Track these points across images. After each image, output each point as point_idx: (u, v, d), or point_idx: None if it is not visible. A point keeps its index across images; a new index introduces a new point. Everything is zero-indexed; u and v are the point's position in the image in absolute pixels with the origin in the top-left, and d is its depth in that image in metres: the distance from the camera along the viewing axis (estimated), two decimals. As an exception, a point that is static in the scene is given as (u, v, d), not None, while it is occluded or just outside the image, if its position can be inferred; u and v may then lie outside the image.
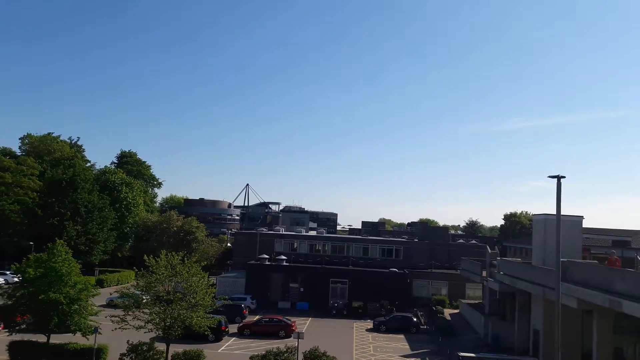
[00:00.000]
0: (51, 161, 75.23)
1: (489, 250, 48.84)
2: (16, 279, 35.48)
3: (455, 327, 49.50)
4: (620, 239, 48.54)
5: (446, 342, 44.05)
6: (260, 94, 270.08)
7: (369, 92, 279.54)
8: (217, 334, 39.44)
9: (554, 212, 28.76)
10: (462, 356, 30.35)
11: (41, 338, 33.81)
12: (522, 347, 40.44)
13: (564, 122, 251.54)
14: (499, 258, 46.76)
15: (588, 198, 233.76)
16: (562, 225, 28.68)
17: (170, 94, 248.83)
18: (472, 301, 58.52)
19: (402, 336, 46.20)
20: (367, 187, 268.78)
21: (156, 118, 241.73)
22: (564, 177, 28.50)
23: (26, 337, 34.35)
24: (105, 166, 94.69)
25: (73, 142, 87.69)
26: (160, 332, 32.21)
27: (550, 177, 28.62)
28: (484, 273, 47.10)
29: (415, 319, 49.23)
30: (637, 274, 26.08)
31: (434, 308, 56.37)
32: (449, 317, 54.51)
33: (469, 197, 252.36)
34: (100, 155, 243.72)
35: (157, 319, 31.60)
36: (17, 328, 33.33)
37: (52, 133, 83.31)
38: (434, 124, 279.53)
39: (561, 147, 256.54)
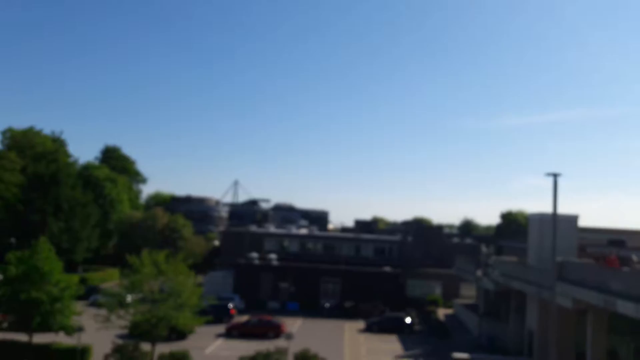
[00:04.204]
0: (33, 156, 73.87)
1: (484, 249, 48.33)
2: (-2, 277, 34.63)
3: (449, 327, 48.93)
4: (616, 239, 48.20)
5: (440, 342, 43.46)
6: (249, 87, 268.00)
7: (361, 87, 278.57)
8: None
9: (550, 211, 28.25)
10: (456, 357, 29.69)
11: (23, 337, 33.01)
12: (517, 347, 39.90)
13: (560, 119, 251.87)
14: (493, 257, 46.23)
15: (584, 196, 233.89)
16: (558, 224, 28.18)
17: (156, 89, 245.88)
18: (467, 301, 58.00)
19: (395, 337, 45.50)
20: (360, 184, 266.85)
21: (141, 112, 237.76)
22: (560, 174, 28.00)
23: (8, 336, 33.57)
24: (88, 161, 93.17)
25: (56, 136, 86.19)
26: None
27: (547, 174, 28.17)
28: (479, 272, 46.54)
29: (408, 320, 48.55)
30: (632, 273, 25.62)
31: (427, 308, 55.75)
32: (442, 318, 53.96)
33: (464, 195, 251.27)
34: (84, 150, 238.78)
35: (142, 319, 30.93)
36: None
37: (34, 127, 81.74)
38: (428, 120, 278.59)
39: (557, 144, 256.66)
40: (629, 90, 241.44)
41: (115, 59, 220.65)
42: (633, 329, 31.73)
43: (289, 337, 32.72)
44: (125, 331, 32.91)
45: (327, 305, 56.80)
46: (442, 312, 56.91)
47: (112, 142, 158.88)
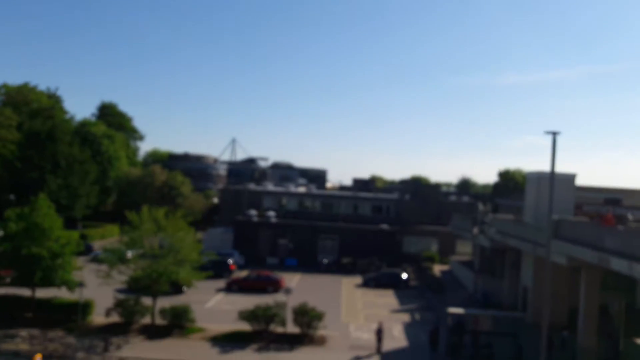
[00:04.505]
0: (29, 112, 73.00)
1: (481, 207, 48.67)
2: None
3: (445, 283, 49.81)
4: (612, 197, 48.49)
5: (435, 298, 44.32)
6: (247, 44, 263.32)
7: (360, 44, 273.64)
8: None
9: (548, 169, 28.27)
10: (451, 312, 30.35)
11: (26, 292, 33.53)
12: (511, 303, 40.77)
13: (561, 77, 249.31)
14: (490, 215, 46.60)
15: (582, 154, 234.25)
16: (555, 182, 28.21)
17: (152, 46, 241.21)
18: (463, 258, 58.83)
19: (391, 292, 46.40)
20: (358, 143, 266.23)
21: (138, 69, 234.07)
22: (559, 133, 27.85)
23: (11, 291, 34.08)
24: (85, 118, 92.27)
25: (51, 92, 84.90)
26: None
27: (546, 132, 28.00)
28: (475, 230, 46.99)
29: (404, 275, 49.39)
30: (626, 231, 25.86)
31: (423, 264, 56.63)
32: (438, 274, 54.85)
33: (462, 154, 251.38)
34: (79, 107, 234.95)
35: (143, 274, 31.39)
36: (1, 282, 33.05)
37: (29, 83, 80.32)
38: (428, 77, 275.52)
39: (557, 102, 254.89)
40: (630, 46, 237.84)
41: (111, 14, 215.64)
42: (625, 286, 32.43)
43: (288, 291, 33.30)
44: (124, 286, 33.51)
45: (325, 261, 57.61)
46: (438, 269, 57.83)
47: (108, 98, 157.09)
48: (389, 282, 48.61)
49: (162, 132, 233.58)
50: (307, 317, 31.01)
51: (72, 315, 32.06)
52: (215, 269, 44.89)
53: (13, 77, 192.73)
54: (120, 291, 36.34)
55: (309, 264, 58.03)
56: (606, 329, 30.22)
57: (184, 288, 40.22)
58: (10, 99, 74.27)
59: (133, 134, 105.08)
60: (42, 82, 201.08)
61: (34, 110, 73.87)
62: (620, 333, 29.90)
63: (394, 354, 29.56)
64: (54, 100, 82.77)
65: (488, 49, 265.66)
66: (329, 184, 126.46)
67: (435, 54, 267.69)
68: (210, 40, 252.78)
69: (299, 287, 44.58)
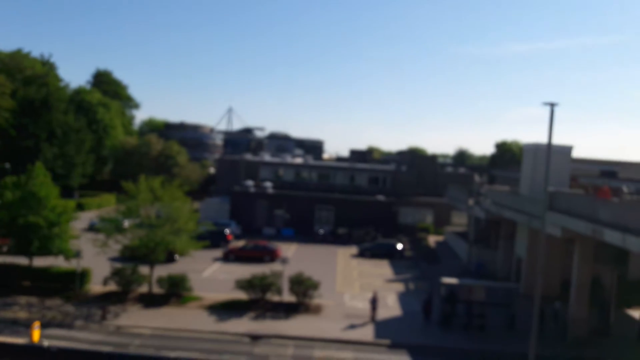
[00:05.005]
0: (23, 79, 71.96)
1: (477, 179, 48.72)
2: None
3: (439, 254, 50.27)
4: (608, 169, 48.66)
5: (429, 268, 44.77)
6: (245, 10, 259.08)
7: (358, 13, 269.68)
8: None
9: (545, 141, 28.20)
10: (444, 282, 30.69)
11: (24, 261, 33.67)
12: (505, 274, 41.25)
13: (560, 47, 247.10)
14: (486, 186, 46.71)
15: (579, 126, 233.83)
16: (552, 154, 28.17)
17: (147, 12, 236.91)
18: (458, 229, 59.22)
19: (386, 262, 46.85)
20: (355, 114, 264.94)
21: (133, 34, 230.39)
22: (557, 104, 27.69)
23: (9, 259, 34.21)
24: (80, 86, 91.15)
25: (45, 59, 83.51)
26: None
27: (544, 104, 27.83)
28: (471, 201, 47.18)
29: (399, 246, 49.77)
30: (621, 203, 25.96)
31: (418, 235, 57.00)
32: (433, 244, 55.29)
33: (460, 125, 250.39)
34: (74, 74, 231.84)
35: (140, 244, 31.54)
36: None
37: (22, 49, 78.78)
38: (425, 46, 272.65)
39: (554, 73, 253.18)
40: (630, 19, 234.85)
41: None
42: (617, 258, 32.71)
43: (284, 261, 33.54)
44: (117, 255, 33.78)
45: (321, 231, 57.93)
46: (432, 239, 58.26)
47: (103, 66, 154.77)
48: (384, 252, 49.03)
49: (158, 100, 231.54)
50: (303, 286, 31.37)
51: (69, 284, 32.31)
52: (212, 239, 45.01)
53: (5, 44, 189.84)
54: (114, 260, 36.54)
55: (305, 234, 58.35)
56: (598, 300, 30.66)
57: (176, 257, 40.39)
58: (3, 66, 72.98)
59: (128, 102, 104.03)
60: (35, 48, 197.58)
61: (27, 77, 72.73)
62: (612, 304, 30.36)
63: (387, 322, 30.01)
64: (47, 67, 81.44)
65: (486, 18, 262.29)
66: (325, 155, 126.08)
67: (432, 24, 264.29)
68: (207, 7, 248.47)
69: (295, 257, 44.94)
